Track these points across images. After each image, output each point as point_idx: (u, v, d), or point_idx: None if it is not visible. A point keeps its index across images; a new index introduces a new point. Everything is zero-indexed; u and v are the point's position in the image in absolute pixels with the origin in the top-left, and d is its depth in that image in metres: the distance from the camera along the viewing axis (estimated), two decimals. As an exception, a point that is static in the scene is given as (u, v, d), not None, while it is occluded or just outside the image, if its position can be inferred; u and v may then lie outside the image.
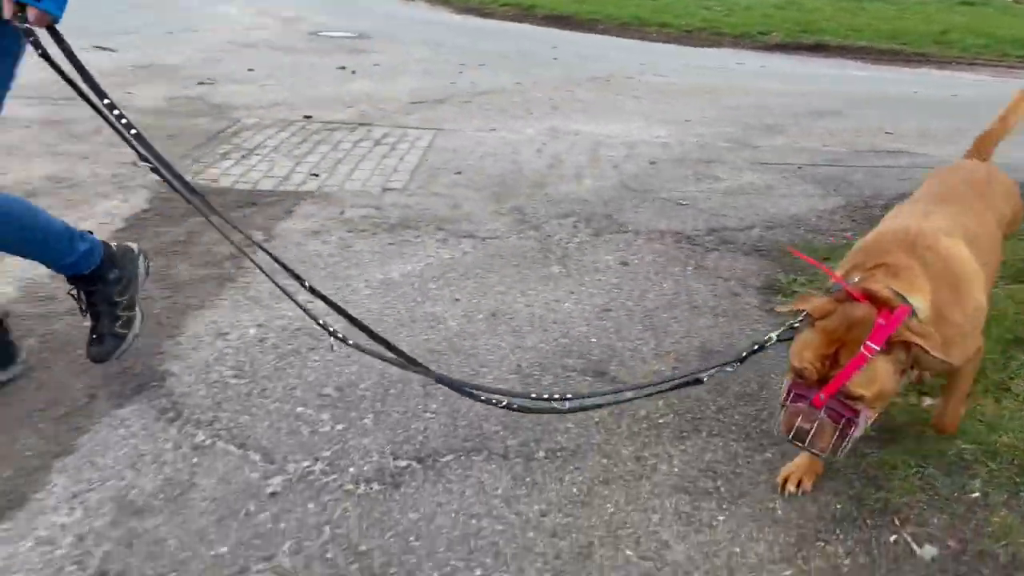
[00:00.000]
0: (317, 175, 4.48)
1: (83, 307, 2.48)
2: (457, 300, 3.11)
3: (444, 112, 6.04)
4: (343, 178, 4.47)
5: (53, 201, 3.90)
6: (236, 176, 4.43)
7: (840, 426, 1.71)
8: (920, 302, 1.79)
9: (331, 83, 6.80)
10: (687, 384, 2.07)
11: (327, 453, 2.18)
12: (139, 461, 2.11)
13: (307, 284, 2.18)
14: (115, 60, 6.99)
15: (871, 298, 1.75)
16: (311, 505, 1.99)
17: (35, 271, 2.98)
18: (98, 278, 2.45)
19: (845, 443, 1.74)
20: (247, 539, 1.88)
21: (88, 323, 2.49)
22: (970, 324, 1.93)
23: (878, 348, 1.68)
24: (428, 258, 3.48)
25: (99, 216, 3.79)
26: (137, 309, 2.54)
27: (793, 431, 1.73)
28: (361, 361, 2.55)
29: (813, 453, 1.80)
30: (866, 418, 1.74)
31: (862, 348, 1.69)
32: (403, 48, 8.72)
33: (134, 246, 2.65)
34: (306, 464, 2.13)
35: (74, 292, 2.48)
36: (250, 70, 7.02)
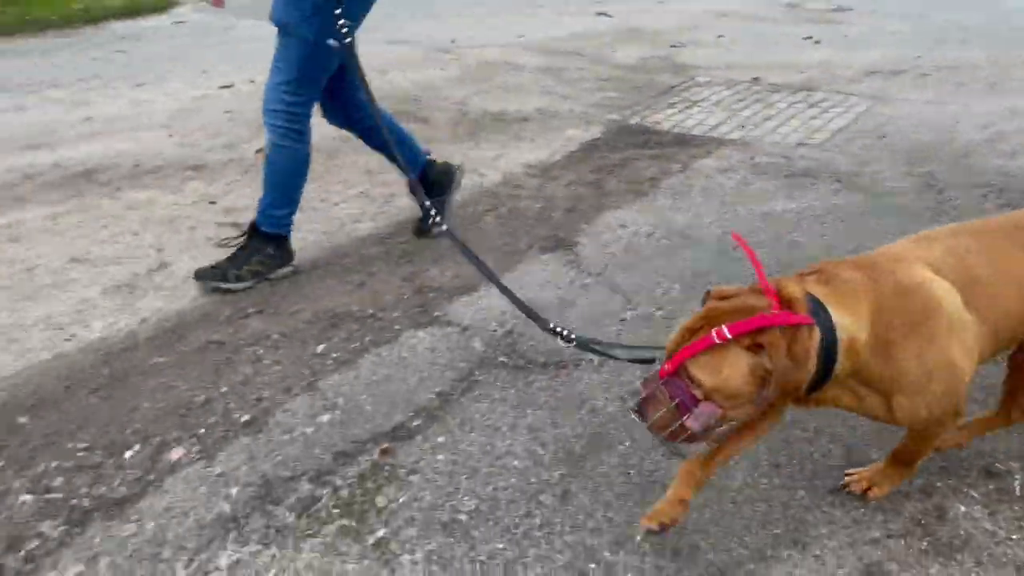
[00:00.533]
0: (743, 127, 5.04)
1: (239, 255, 3.05)
2: (824, 236, 3.46)
3: (896, 83, 6.02)
4: (766, 132, 4.95)
5: (537, 126, 5.16)
6: (675, 122, 5.22)
7: (675, 406, 1.52)
8: (847, 320, 1.56)
9: (791, 51, 7.16)
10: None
11: (667, 305, 2.86)
12: (547, 284, 3.05)
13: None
14: (610, 24, 8.31)
15: (780, 296, 1.55)
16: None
17: (512, 169, 4.16)
18: (264, 238, 3.05)
19: (678, 428, 1.54)
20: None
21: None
22: (928, 379, 1.60)
23: (730, 337, 1.49)
24: (814, 201, 3.84)
25: (563, 139, 4.91)
26: (250, 281, 3.00)
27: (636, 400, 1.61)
28: (705, 268, 3.15)
29: (649, 429, 1.59)
30: (707, 413, 1.52)
31: (713, 332, 1.50)
32: (880, 20, 8.56)
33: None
34: (650, 308, 2.85)
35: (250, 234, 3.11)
36: (720, 36, 7.73)
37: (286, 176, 3.00)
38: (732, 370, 1.49)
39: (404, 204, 3.81)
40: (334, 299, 2.92)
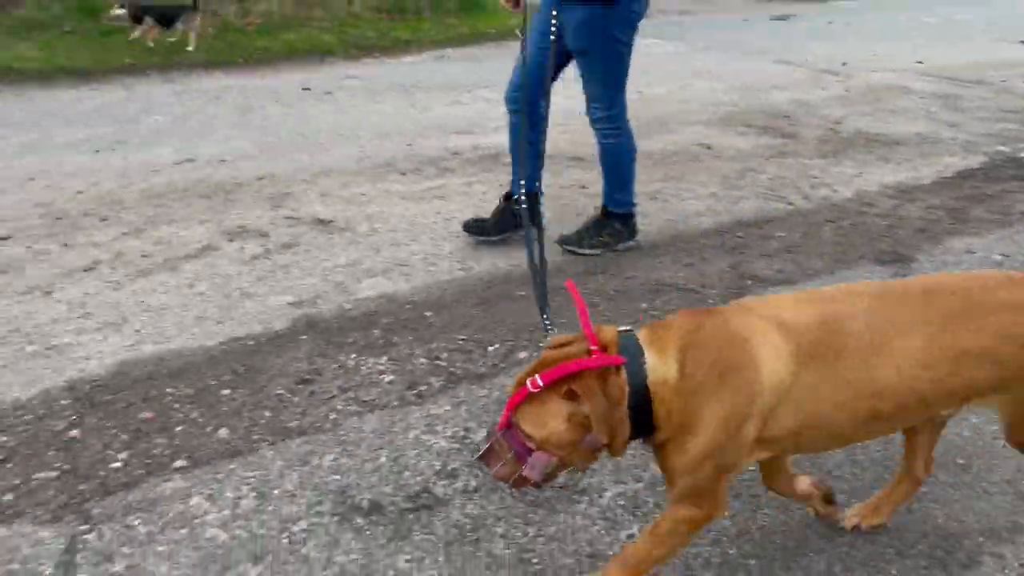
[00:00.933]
0: None
1: (593, 223, 3.64)
2: None
3: None
4: None
5: (910, 150, 5.07)
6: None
7: (513, 456, 1.53)
8: (656, 362, 1.51)
9: None
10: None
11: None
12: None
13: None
14: (1034, 53, 7.54)
15: (599, 340, 1.52)
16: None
17: (867, 188, 4.24)
18: (614, 218, 3.61)
19: (519, 478, 1.53)
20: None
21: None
22: (715, 438, 1.49)
23: (542, 386, 1.47)
24: None
25: (936, 165, 4.78)
26: (599, 251, 3.58)
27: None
28: None
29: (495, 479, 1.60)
30: (542, 463, 1.51)
31: (528, 382, 1.49)
32: None
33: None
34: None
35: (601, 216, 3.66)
36: None
37: (615, 166, 3.59)
38: (554, 420, 1.50)
39: (749, 207, 4.15)
40: (664, 272, 3.41)
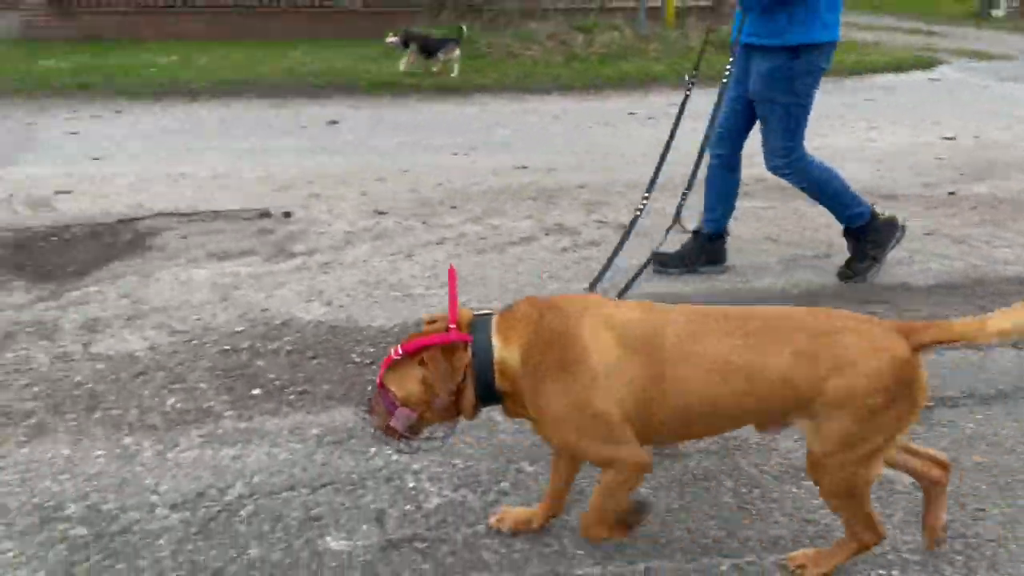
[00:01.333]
0: None
1: (852, 249, 3.73)
2: None
3: None
4: None
5: None
6: None
7: (385, 410, 1.86)
8: (500, 345, 1.81)
9: None
10: None
11: None
12: None
13: None
14: None
15: (458, 321, 1.84)
16: None
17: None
18: (860, 233, 3.66)
19: (388, 428, 1.87)
20: None
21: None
22: (564, 422, 1.79)
23: (401, 354, 1.84)
24: None
25: None
26: (877, 265, 3.67)
27: None
28: None
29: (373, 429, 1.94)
30: (405, 416, 1.85)
31: (392, 350, 1.86)
32: None
33: (899, 219, 3.72)
34: None
35: (846, 237, 3.75)
36: None
37: (825, 196, 3.69)
38: (410, 382, 1.84)
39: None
40: (951, 311, 3.40)
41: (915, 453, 1.94)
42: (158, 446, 2.46)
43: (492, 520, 2.12)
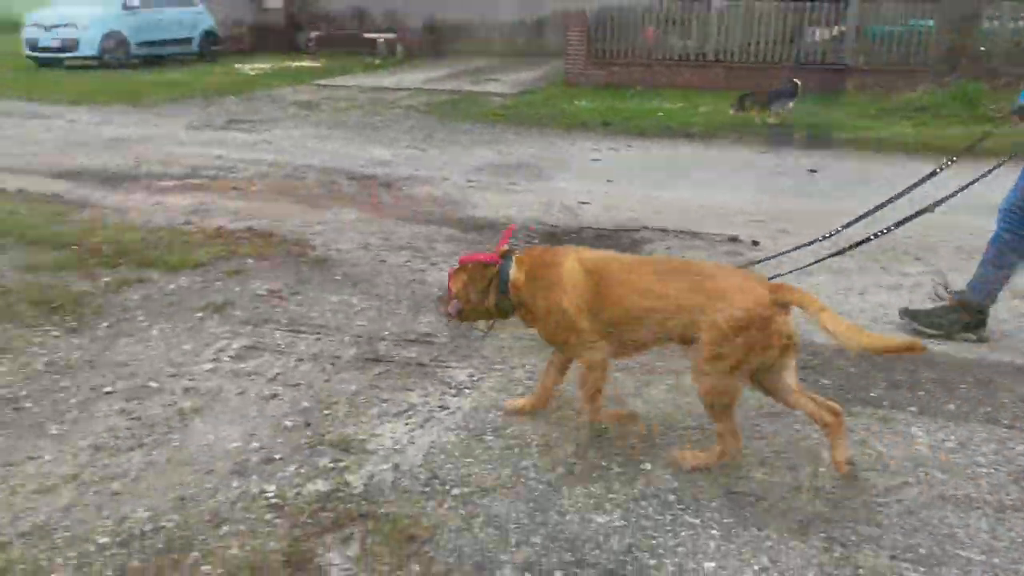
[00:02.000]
0: None
1: None
2: None
3: None
4: None
5: None
6: None
7: (448, 301, 2.98)
8: (513, 269, 2.85)
9: None
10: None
11: None
12: None
13: None
14: None
15: (498, 251, 2.93)
16: None
17: None
18: None
19: (447, 312, 3.01)
20: None
21: None
22: (548, 313, 2.77)
23: (458, 267, 2.95)
24: None
25: None
26: None
27: None
28: None
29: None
30: (456, 304, 2.94)
31: (458, 262, 2.98)
32: None
33: None
34: None
35: None
36: None
37: None
38: (458, 282, 2.91)
39: None
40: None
41: (812, 400, 2.63)
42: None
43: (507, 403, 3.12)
